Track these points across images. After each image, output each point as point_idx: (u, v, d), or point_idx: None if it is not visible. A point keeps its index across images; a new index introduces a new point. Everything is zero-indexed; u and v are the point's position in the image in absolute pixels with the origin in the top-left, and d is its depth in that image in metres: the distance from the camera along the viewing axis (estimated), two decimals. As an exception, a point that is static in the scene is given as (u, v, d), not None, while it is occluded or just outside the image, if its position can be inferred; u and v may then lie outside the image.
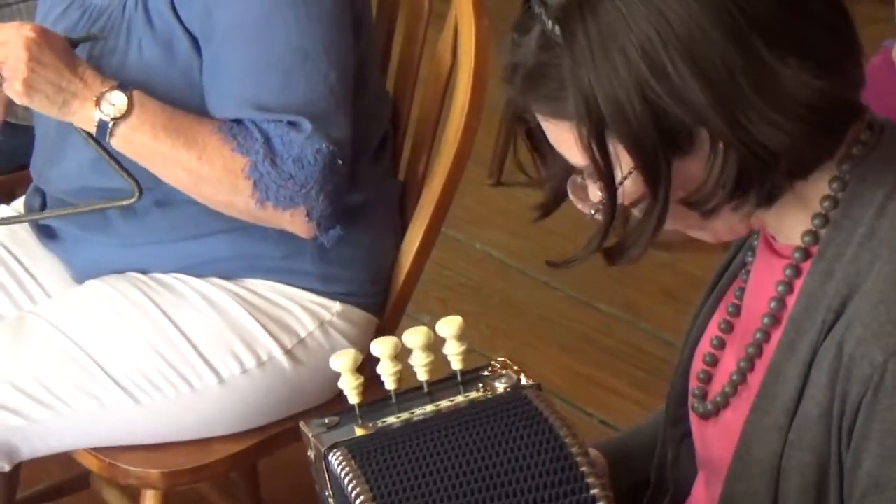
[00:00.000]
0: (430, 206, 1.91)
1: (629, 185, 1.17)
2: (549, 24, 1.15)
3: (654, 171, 1.15)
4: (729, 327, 1.34)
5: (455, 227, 3.27)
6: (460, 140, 1.88)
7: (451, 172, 1.89)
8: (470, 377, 1.25)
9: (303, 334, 1.86)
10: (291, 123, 1.73)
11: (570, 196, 1.25)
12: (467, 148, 1.89)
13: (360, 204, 1.87)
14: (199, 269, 1.86)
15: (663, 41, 1.12)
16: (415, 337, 1.22)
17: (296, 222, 1.76)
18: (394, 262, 1.95)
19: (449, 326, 1.23)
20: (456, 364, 1.24)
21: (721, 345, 1.34)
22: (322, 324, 1.87)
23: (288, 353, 1.84)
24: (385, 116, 1.96)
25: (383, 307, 1.96)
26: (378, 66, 1.99)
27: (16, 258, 1.98)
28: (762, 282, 1.28)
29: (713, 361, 1.35)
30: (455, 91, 1.89)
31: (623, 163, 1.17)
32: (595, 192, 1.21)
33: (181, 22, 1.78)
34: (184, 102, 1.77)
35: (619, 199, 1.18)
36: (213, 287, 1.85)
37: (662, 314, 3.03)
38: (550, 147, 1.23)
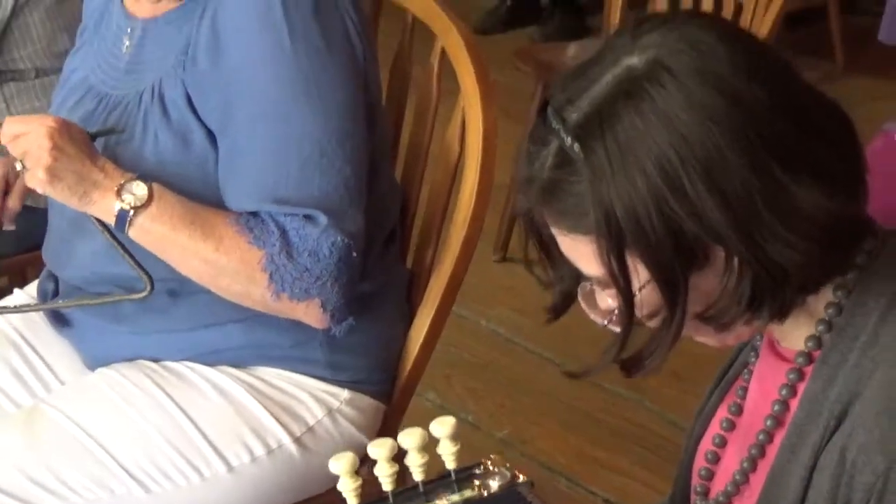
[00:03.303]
0: (438, 295, 1.94)
1: (646, 296, 1.20)
2: (568, 140, 1.18)
3: (671, 284, 1.18)
4: (731, 426, 1.36)
5: (460, 304, 3.27)
6: (468, 230, 1.91)
7: (458, 262, 1.92)
8: (464, 475, 1.28)
9: (311, 422, 1.88)
10: (307, 217, 1.76)
11: (582, 304, 1.27)
12: (474, 238, 1.92)
13: (370, 293, 1.90)
14: (210, 358, 1.88)
15: (681, 160, 1.15)
16: (410, 438, 1.25)
17: (310, 313, 1.79)
18: (401, 349, 1.97)
19: (443, 427, 1.26)
20: (450, 463, 1.27)
21: (723, 443, 1.37)
22: (330, 411, 1.89)
23: (297, 440, 1.87)
24: (395, 207, 2.00)
25: (391, 393, 1.98)
26: (389, 155, 2.02)
27: (29, 344, 2.01)
28: (765, 383, 1.30)
29: (715, 459, 1.37)
30: (462, 181, 1.93)
31: (640, 275, 1.19)
32: (606, 301, 1.24)
33: (197, 114, 1.81)
34: (199, 194, 1.79)
35: (636, 311, 1.20)
36: (223, 376, 1.87)
37: (668, 394, 3.05)
38: (561, 252, 1.25)
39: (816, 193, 1.16)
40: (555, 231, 1.24)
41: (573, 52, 3.68)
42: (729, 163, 1.15)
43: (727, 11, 3.46)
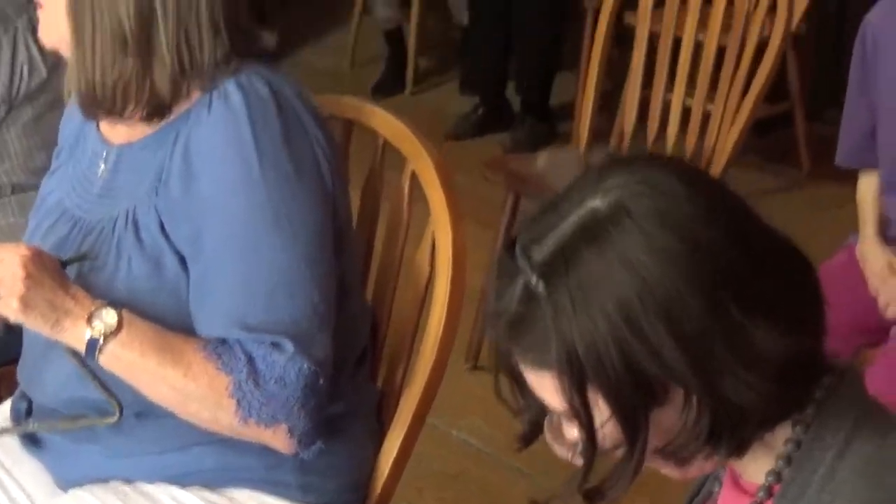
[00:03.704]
0: (409, 415, 1.96)
1: (608, 430, 1.23)
2: (533, 278, 1.21)
3: (631, 421, 1.21)
4: None
5: (431, 413, 3.27)
6: (437, 352, 1.94)
7: (428, 383, 1.95)
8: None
9: (282, 542, 1.89)
10: (274, 344, 1.78)
11: (547, 437, 1.30)
12: (444, 360, 1.95)
13: (340, 414, 1.92)
14: (183, 480, 1.90)
15: (641, 301, 1.18)
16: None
17: (278, 438, 1.81)
18: (372, 468, 1.99)
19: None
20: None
21: None
22: (302, 532, 1.90)
23: (269, 562, 1.88)
24: (365, 330, 2.02)
25: (362, 512, 2.00)
26: (359, 278, 2.05)
27: (1, 464, 2.01)
28: (729, 515, 1.33)
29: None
30: (432, 303, 1.96)
31: (601, 411, 1.22)
32: (571, 433, 1.27)
33: (169, 240, 1.84)
34: (171, 320, 1.82)
35: (599, 444, 1.23)
36: (195, 498, 1.88)
37: (639, 506, 3.06)
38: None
39: (774, 333, 1.19)
40: (521, 364, 1.27)
41: (543, 162, 3.73)
42: (688, 304, 1.18)
43: (694, 124, 3.52)
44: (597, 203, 1.22)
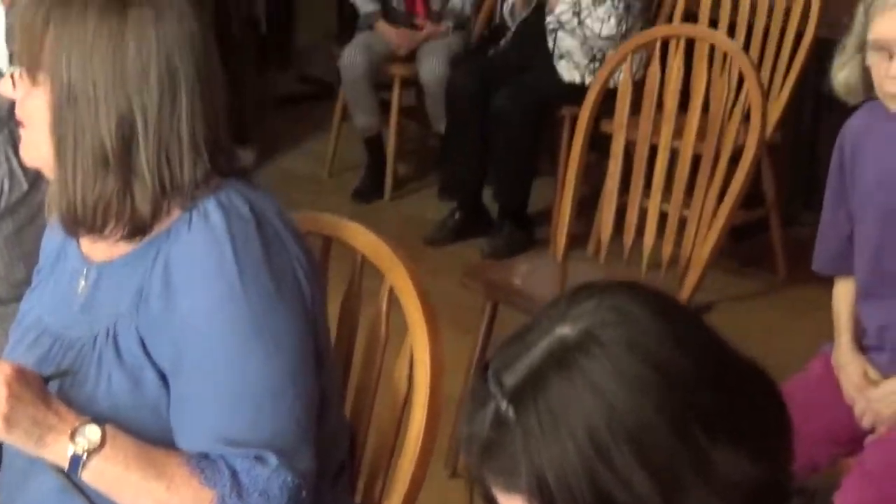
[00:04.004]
0: (388, 531, 1.96)
1: None
2: (504, 404, 1.23)
3: None
4: None
5: (412, 522, 3.30)
6: (415, 467, 1.95)
7: (406, 498, 1.96)
8: None
9: None
10: (258, 457, 1.79)
11: None
12: (422, 474, 1.96)
13: (320, 528, 1.92)
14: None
15: (610, 430, 1.19)
16: None
17: None
18: (351, 583, 1.99)
19: None
20: None
21: None
22: None
23: None
24: (344, 443, 2.03)
25: None
26: (338, 392, 2.06)
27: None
28: None
29: None
30: (411, 419, 1.97)
31: None
32: None
33: (150, 357, 1.85)
34: (152, 435, 1.82)
35: None
36: None
37: None
38: None
39: (742, 460, 1.21)
40: (493, 487, 1.28)
41: (521, 270, 3.75)
42: (656, 433, 1.19)
43: (671, 231, 3.56)
44: (566, 330, 1.24)
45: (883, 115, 2.66)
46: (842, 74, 2.67)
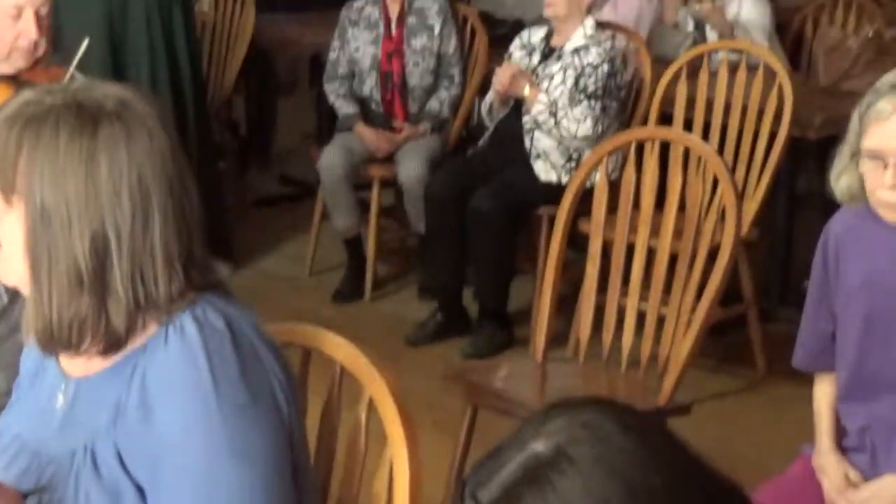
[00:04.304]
0: None
1: None
2: None
3: None
4: None
5: None
6: (396, 580, 1.95)
7: None
8: None
9: None
10: None
11: None
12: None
13: None
14: None
15: None
16: None
17: None
18: None
19: None
20: None
21: None
22: None
23: None
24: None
25: None
26: (318, 506, 2.07)
27: None
28: None
29: None
30: (391, 530, 1.97)
31: None
32: None
33: (127, 472, 1.86)
34: None
35: None
36: None
37: None
38: None
39: None
40: None
41: (501, 373, 3.77)
42: None
43: (650, 329, 3.58)
44: (539, 447, 1.26)
45: (867, 216, 2.68)
46: (843, 181, 2.69)
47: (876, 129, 2.58)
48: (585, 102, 4.88)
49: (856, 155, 2.64)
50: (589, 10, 5.04)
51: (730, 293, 4.36)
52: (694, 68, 5.01)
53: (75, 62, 3.15)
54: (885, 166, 2.57)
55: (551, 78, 4.96)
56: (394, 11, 5.56)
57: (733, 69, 4.89)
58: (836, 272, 2.79)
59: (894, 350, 2.72)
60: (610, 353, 3.65)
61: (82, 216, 1.83)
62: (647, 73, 5.24)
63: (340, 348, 2.11)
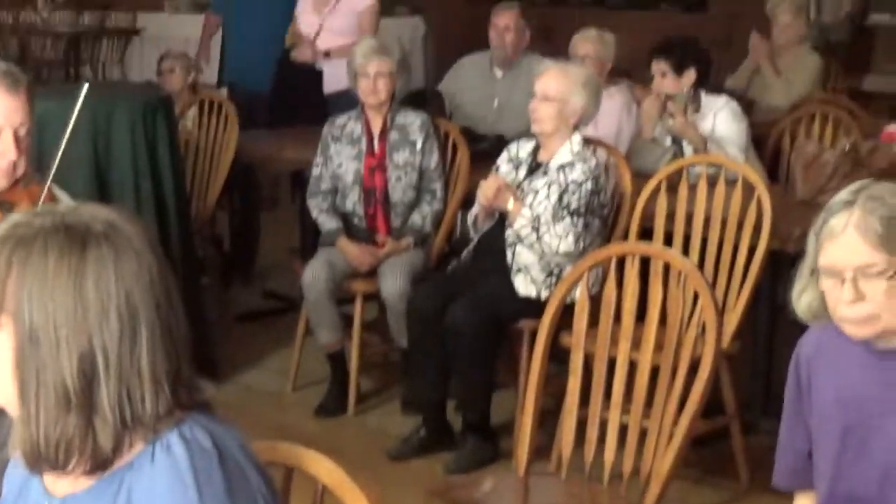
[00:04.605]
0: None
1: None
2: None
3: None
4: None
5: None
6: None
7: None
8: None
9: None
10: None
11: None
12: None
13: None
14: None
15: None
16: None
17: None
18: None
19: None
20: None
21: None
22: None
23: None
24: None
25: None
26: None
27: None
28: None
29: None
30: None
31: None
32: None
33: None
34: None
35: None
36: None
37: None
38: None
39: None
40: None
41: (485, 488, 3.76)
42: None
43: (632, 442, 3.59)
44: None
45: (836, 334, 2.72)
46: (804, 300, 2.74)
47: (830, 246, 2.63)
48: (568, 219, 4.92)
49: (814, 273, 2.69)
50: (576, 127, 5.10)
51: (712, 405, 4.37)
52: (673, 182, 5.08)
53: (52, 171, 3.19)
54: (843, 282, 2.62)
55: (536, 193, 5.01)
56: (376, 127, 5.63)
57: (712, 183, 4.95)
58: (809, 390, 2.82)
59: (871, 464, 2.74)
60: (592, 466, 3.66)
61: (70, 336, 1.85)
62: (627, 187, 5.29)
63: (322, 466, 2.13)
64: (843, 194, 2.67)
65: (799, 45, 7.63)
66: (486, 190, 5.02)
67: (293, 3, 7.67)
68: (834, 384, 2.78)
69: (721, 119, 5.82)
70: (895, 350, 2.71)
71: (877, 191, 2.65)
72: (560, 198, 4.95)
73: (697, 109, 5.85)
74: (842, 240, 2.61)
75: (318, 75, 7.28)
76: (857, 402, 2.74)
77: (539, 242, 4.93)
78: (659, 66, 5.92)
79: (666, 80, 5.90)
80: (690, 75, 5.88)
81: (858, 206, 2.62)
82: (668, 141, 5.88)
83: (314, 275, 5.44)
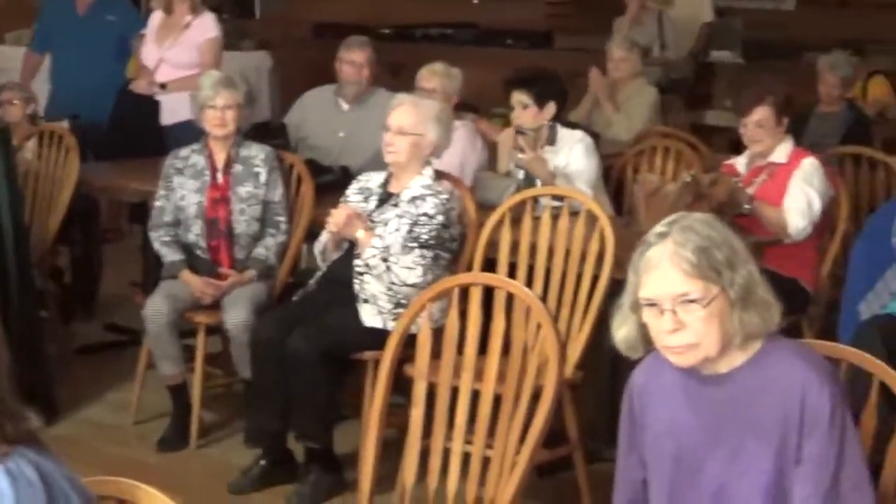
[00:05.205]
0: None
1: None
2: None
3: None
4: None
5: None
6: None
7: None
8: None
9: None
10: None
11: None
12: None
13: None
14: None
15: None
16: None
17: None
18: None
19: None
20: None
21: None
22: None
23: None
24: None
25: None
26: None
27: None
28: None
29: None
30: None
31: None
32: None
33: None
34: None
35: None
36: None
37: None
38: None
39: None
40: None
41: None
42: None
43: (474, 471, 3.59)
44: None
45: (665, 366, 2.78)
46: (621, 333, 2.82)
47: (648, 278, 2.71)
48: (418, 251, 4.93)
49: (635, 307, 2.75)
50: (428, 161, 5.12)
51: (556, 434, 4.41)
52: (518, 214, 5.11)
53: None
54: (662, 313, 2.69)
55: (386, 224, 5.01)
56: (220, 160, 5.59)
57: (556, 215, 5.00)
58: (643, 420, 2.88)
59: (701, 487, 2.79)
60: (436, 497, 3.65)
61: None
62: (471, 218, 5.32)
63: (156, 501, 2.09)
64: (658, 227, 2.76)
65: (634, 79, 7.85)
66: (336, 217, 5.01)
67: (128, 33, 7.69)
68: (664, 414, 2.83)
69: (575, 153, 5.89)
70: (719, 376, 2.77)
71: (689, 222, 2.74)
72: (410, 229, 4.95)
73: (553, 142, 5.91)
74: (658, 271, 2.69)
75: (156, 106, 7.23)
76: (686, 430, 2.80)
77: (388, 273, 4.93)
78: (520, 98, 5.94)
79: (527, 111, 5.93)
80: (551, 108, 5.94)
81: (671, 238, 2.70)
82: (520, 174, 5.93)
83: (156, 307, 5.37)
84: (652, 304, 2.71)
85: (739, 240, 2.78)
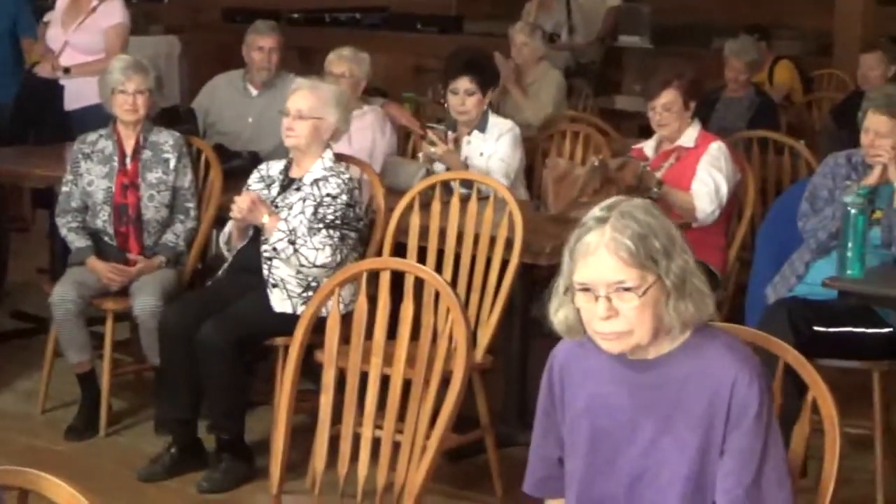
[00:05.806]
0: None
1: None
2: None
3: None
4: None
5: None
6: None
7: None
8: None
9: None
10: None
11: None
12: None
13: None
14: None
15: None
16: None
17: None
18: None
19: None
20: None
21: None
22: None
23: None
24: None
25: None
26: None
27: None
28: None
29: None
30: None
31: None
32: None
33: None
34: None
35: None
36: None
37: None
38: None
39: None
40: None
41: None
42: None
43: (385, 457, 3.59)
44: None
45: (589, 344, 2.78)
46: (560, 315, 2.79)
47: (584, 263, 2.69)
48: (324, 231, 4.92)
49: (569, 289, 2.74)
50: (328, 144, 5.11)
51: (467, 419, 4.42)
52: (428, 199, 5.11)
53: None
54: (596, 299, 2.68)
55: (290, 208, 5.00)
56: (129, 146, 5.54)
57: (465, 199, 5.00)
58: (562, 398, 2.87)
59: (618, 471, 2.79)
60: (346, 482, 3.64)
61: None
62: (380, 203, 5.32)
63: (61, 491, 2.06)
64: (596, 211, 2.72)
65: (538, 64, 7.92)
66: (239, 204, 4.98)
67: (25, 15, 7.62)
68: (585, 392, 2.83)
69: (502, 143, 5.90)
70: (646, 361, 2.77)
71: (628, 208, 2.71)
72: (315, 211, 4.95)
73: (483, 130, 5.90)
74: (595, 257, 2.67)
75: (60, 90, 7.14)
76: (608, 410, 2.80)
77: (296, 255, 4.92)
78: (466, 85, 5.90)
79: (472, 98, 5.90)
80: (489, 95, 5.95)
81: (610, 224, 2.67)
82: (437, 167, 5.91)
83: (63, 294, 5.31)
84: (586, 289, 2.69)
85: (676, 228, 2.78)
